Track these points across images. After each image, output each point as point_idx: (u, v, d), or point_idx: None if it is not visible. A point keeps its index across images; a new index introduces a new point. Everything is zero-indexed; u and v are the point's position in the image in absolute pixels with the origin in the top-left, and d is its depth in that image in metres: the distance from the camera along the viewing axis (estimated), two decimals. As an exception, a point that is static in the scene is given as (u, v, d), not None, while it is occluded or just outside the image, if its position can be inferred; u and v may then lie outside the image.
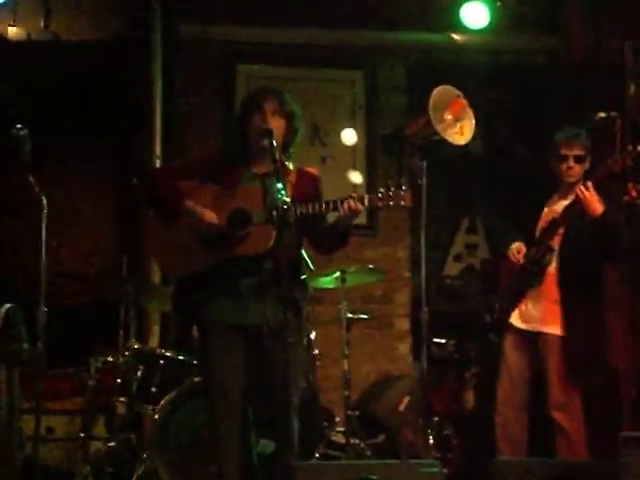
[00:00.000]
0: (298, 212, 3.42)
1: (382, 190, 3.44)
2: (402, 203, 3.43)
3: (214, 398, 3.61)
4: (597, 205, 4.07)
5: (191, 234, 3.56)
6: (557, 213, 4.27)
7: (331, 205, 3.46)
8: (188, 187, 3.60)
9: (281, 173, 3.42)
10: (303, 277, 3.65)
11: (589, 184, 4.07)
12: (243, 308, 3.55)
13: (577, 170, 4.27)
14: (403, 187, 3.42)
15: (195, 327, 4.09)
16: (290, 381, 3.44)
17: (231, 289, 3.55)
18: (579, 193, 4.08)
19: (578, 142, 4.26)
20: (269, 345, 3.41)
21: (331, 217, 3.57)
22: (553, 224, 4.24)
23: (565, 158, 4.26)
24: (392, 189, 3.42)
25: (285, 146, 3.64)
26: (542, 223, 4.34)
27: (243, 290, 3.54)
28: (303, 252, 3.71)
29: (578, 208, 4.10)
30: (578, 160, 4.27)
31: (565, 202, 4.28)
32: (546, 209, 4.38)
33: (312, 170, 3.76)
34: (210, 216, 3.53)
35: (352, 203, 3.42)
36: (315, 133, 5.86)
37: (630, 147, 3.97)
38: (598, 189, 4.08)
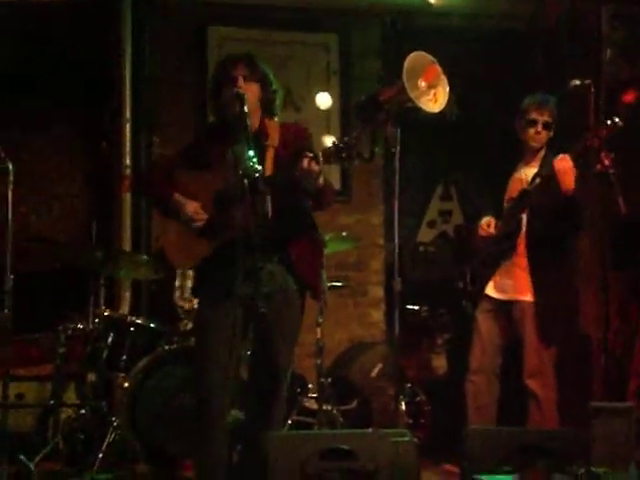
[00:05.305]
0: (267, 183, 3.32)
1: (335, 142, 3.31)
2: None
3: (204, 368, 3.52)
4: (572, 180, 4.04)
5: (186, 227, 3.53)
6: (525, 182, 4.24)
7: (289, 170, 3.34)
8: (182, 177, 3.55)
9: (256, 142, 3.36)
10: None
11: (568, 157, 4.04)
12: (237, 280, 3.47)
13: (544, 136, 4.27)
14: (354, 134, 3.32)
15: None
16: (282, 352, 3.47)
17: (226, 265, 3.47)
18: (558, 165, 4.04)
19: (548, 108, 4.26)
20: (263, 316, 3.33)
21: None
22: (524, 196, 4.22)
23: (534, 123, 4.25)
24: (345, 140, 3.31)
25: (266, 109, 3.58)
26: (510, 193, 4.32)
27: (237, 264, 3.46)
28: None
29: (554, 183, 4.07)
30: (546, 126, 4.26)
31: (530, 170, 4.26)
32: (512, 178, 4.36)
33: (298, 124, 3.70)
34: (192, 207, 3.47)
35: (305, 165, 3.26)
36: (289, 97, 5.78)
37: (609, 121, 3.94)
38: (576, 163, 4.05)
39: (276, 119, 3.61)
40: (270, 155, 3.51)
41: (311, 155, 3.27)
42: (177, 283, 4.72)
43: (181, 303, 4.65)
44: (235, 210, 3.38)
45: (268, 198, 3.26)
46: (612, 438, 3.09)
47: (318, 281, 3.75)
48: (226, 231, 3.43)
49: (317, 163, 3.27)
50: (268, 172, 3.42)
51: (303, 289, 3.60)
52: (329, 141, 6.08)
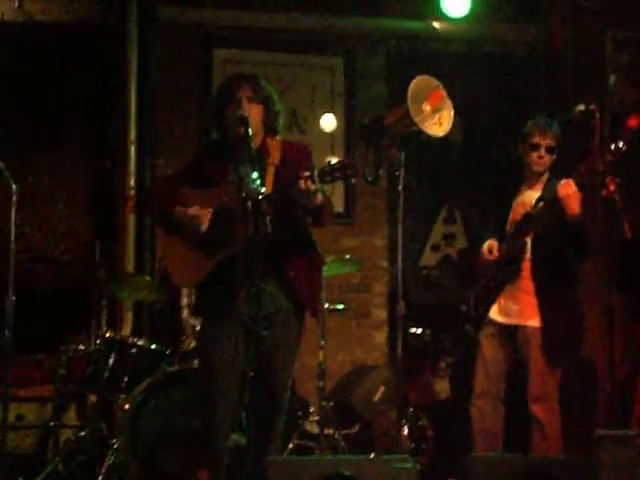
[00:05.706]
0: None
1: (331, 162, 3.33)
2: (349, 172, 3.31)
3: (208, 389, 3.53)
4: (577, 205, 4.03)
5: (189, 241, 3.51)
6: (529, 206, 4.24)
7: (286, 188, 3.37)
8: (184, 195, 3.55)
9: (257, 161, 3.36)
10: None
11: (571, 182, 4.03)
12: (238, 298, 3.45)
13: (547, 160, 4.26)
14: (351, 154, 3.36)
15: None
16: (280, 373, 3.49)
17: (228, 284, 3.46)
18: (562, 191, 4.03)
19: (551, 132, 4.25)
20: (264, 338, 3.31)
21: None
22: (527, 219, 4.21)
23: (537, 147, 4.24)
24: (340, 159, 3.32)
25: (269, 129, 3.59)
26: (514, 215, 4.32)
27: (238, 283, 3.43)
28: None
29: (558, 206, 4.07)
30: (549, 150, 4.25)
31: (534, 193, 4.26)
32: (515, 201, 4.35)
33: (299, 143, 3.70)
34: (195, 209, 3.46)
35: (302, 184, 3.29)
36: (293, 119, 5.80)
37: (612, 145, 3.94)
38: (580, 187, 4.04)
39: (278, 137, 3.62)
40: (270, 173, 3.53)
41: (307, 174, 3.29)
42: (185, 301, 4.71)
43: (192, 322, 4.63)
44: (235, 229, 3.38)
45: (268, 218, 3.26)
46: (617, 466, 3.07)
47: (316, 299, 3.73)
48: (225, 249, 3.43)
49: (313, 182, 3.29)
50: (268, 190, 3.42)
51: (301, 309, 3.59)
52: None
